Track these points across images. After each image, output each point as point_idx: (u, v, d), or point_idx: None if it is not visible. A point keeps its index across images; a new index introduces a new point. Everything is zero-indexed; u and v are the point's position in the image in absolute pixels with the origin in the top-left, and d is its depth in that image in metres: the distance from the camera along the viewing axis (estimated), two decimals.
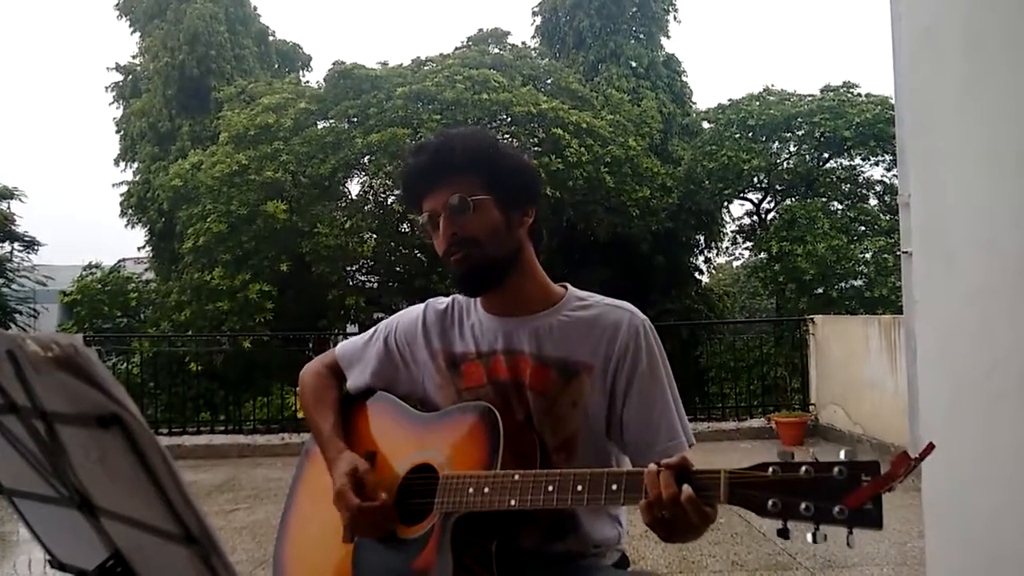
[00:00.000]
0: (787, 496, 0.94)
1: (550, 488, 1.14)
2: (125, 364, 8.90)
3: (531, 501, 1.14)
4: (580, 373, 1.34)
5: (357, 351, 1.54)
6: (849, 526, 0.90)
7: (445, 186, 1.33)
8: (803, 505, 0.93)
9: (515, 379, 1.36)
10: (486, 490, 1.18)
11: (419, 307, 1.51)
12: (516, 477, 1.17)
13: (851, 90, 13.02)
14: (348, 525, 1.30)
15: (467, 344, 1.41)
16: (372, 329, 1.56)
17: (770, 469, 0.96)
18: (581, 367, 1.34)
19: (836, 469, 0.92)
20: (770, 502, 0.95)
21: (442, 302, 1.50)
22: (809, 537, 0.92)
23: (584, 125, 11.99)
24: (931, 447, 0.87)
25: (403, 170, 1.43)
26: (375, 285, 13.13)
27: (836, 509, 0.90)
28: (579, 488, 1.12)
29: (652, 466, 1.06)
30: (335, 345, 1.67)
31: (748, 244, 15.13)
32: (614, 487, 1.10)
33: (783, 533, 0.95)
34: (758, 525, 4.22)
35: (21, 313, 13.28)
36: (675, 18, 16.27)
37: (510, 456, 1.21)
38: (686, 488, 1.02)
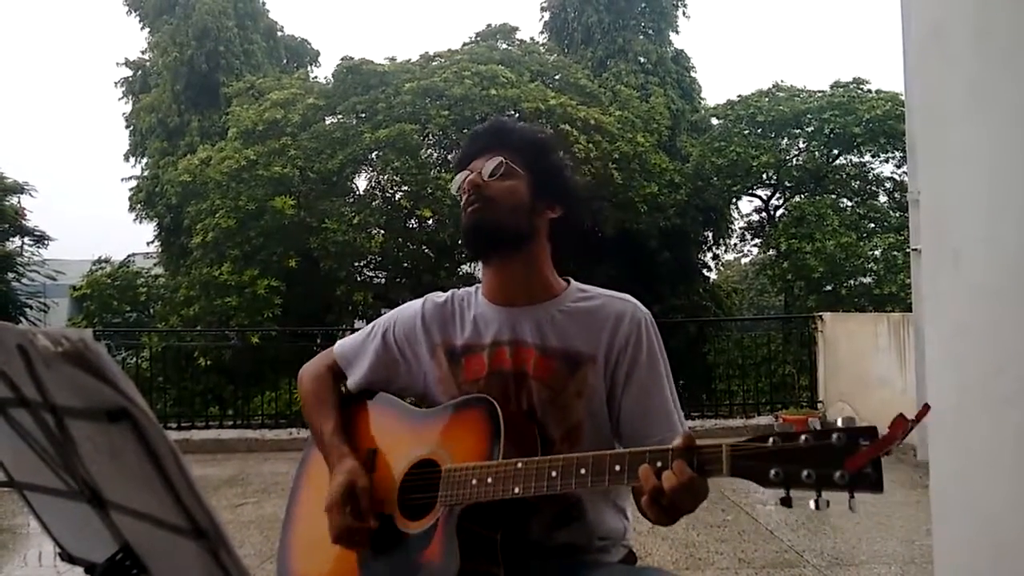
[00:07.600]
0: (788, 465, 0.96)
1: (553, 473, 1.14)
2: (134, 359, 8.95)
3: (535, 488, 1.15)
4: (584, 364, 1.36)
5: (356, 349, 1.54)
6: (850, 490, 0.92)
7: (494, 154, 1.42)
8: (804, 472, 0.94)
9: (518, 369, 1.37)
10: (489, 480, 1.19)
11: (417, 302, 1.52)
12: (519, 465, 1.17)
13: (861, 86, 12.97)
14: (333, 538, 1.31)
15: (469, 336, 1.42)
16: (370, 326, 1.56)
17: (770, 440, 0.98)
18: (585, 358, 1.36)
19: (835, 436, 0.93)
20: (772, 472, 0.96)
21: (441, 295, 1.51)
22: (812, 504, 0.94)
23: (592, 121, 11.97)
24: (927, 408, 0.89)
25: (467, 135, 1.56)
26: (383, 281, 13.16)
27: (837, 474, 0.92)
28: (582, 471, 1.12)
29: (653, 449, 1.08)
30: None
31: (756, 241, 15.12)
32: (617, 468, 1.10)
33: (786, 502, 0.96)
34: (765, 522, 4.22)
35: (31, 308, 13.36)
36: (684, 14, 16.27)
37: (511, 446, 1.22)
38: (688, 471, 1.03)
